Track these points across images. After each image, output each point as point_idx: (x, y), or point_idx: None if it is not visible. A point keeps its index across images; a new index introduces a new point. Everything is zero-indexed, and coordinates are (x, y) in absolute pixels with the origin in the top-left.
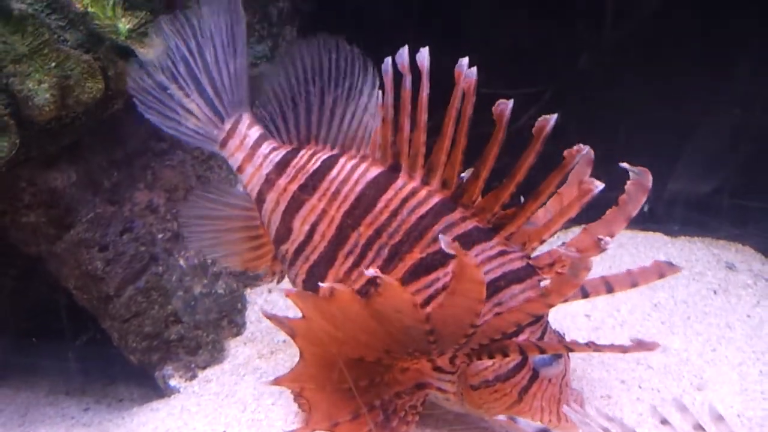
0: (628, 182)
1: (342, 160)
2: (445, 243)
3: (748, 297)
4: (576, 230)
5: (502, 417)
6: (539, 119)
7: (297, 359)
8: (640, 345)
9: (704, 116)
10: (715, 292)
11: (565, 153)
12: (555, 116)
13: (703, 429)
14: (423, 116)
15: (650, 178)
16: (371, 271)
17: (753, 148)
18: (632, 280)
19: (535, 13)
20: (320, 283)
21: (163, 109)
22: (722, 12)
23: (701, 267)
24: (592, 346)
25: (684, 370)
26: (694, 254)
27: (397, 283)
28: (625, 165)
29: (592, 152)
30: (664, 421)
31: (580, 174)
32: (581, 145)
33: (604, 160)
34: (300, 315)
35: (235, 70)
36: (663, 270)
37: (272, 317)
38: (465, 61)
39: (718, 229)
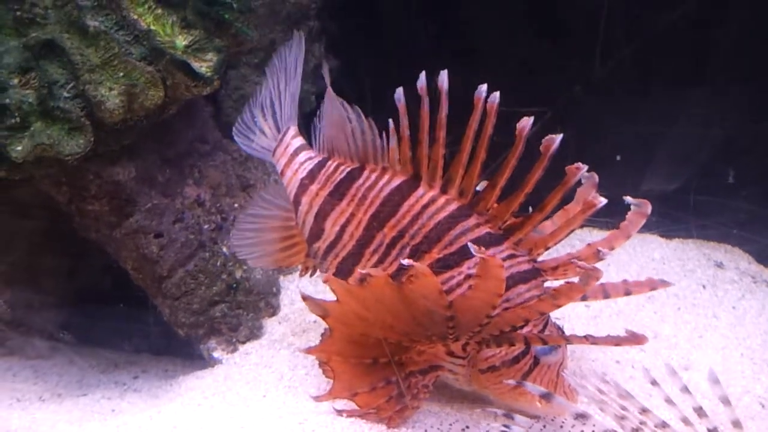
0: (630, 211)
1: (367, 171)
2: (473, 249)
3: (734, 291)
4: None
5: (511, 381)
6: (546, 138)
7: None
8: (632, 336)
9: (672, 130)
10: (704, 287)
11: (567, 169)
12: (560, 136)
13: (689, 391)
14: (442, 133)
15: (649, 207)
16: (406, 261)
17: (711, 155)
18: (626, 289)
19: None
20: (358, 269)
21: (247, 133)
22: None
23: (692, 265)
24: (589, 339)
25: (673, 353)
26: (686, 254)
27: (428, 270)
28: (628, 198)
29: (596, 176)
30: (654, 383)
31: (586, 194)
32: (580, 164)
33: (593, 162)
34: (333, 298)
35: (292, 90)
36: (654, 284)
37: (308, 299)
38: (484, 87)
39: (685, 220)
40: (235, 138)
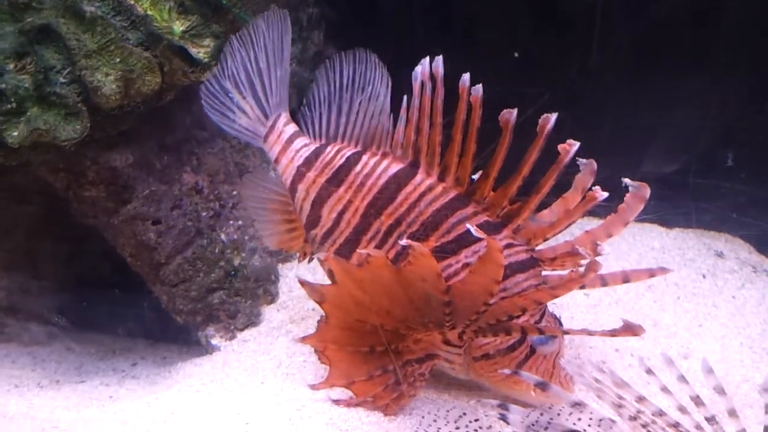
0: (628, 194)
1: (365, 157)
2: (474, 230)
3: (734, 281)
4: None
5: (506, 371)
6: (541, 117)
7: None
8: (628, 328)
9: (672, 116)
10: (704, 276)
11: (559, 148)
12: (555, 115)
13: (686, 380)
14: (438, 118)
15: (648, 190)
16: (404, 242)
17: (708, 140)
18: (625, 276)
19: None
20: (358, 250)
21: (223, 109)
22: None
23: (692, 254)
24: (585, 331)
25: (672, 341)
26: (686, 243)
27: (428, 251)
28: (626, 180)
29: (594, 163)
30: (649, 371)
31: (584, 181)
32: (572, 140)
33: (589, 148)
34: (329, 284)
35: (280, 74)
36: (653, 271)
37: (305, 283)
38: (467, 76)
39: (684, 204)
40: (207, 112)
